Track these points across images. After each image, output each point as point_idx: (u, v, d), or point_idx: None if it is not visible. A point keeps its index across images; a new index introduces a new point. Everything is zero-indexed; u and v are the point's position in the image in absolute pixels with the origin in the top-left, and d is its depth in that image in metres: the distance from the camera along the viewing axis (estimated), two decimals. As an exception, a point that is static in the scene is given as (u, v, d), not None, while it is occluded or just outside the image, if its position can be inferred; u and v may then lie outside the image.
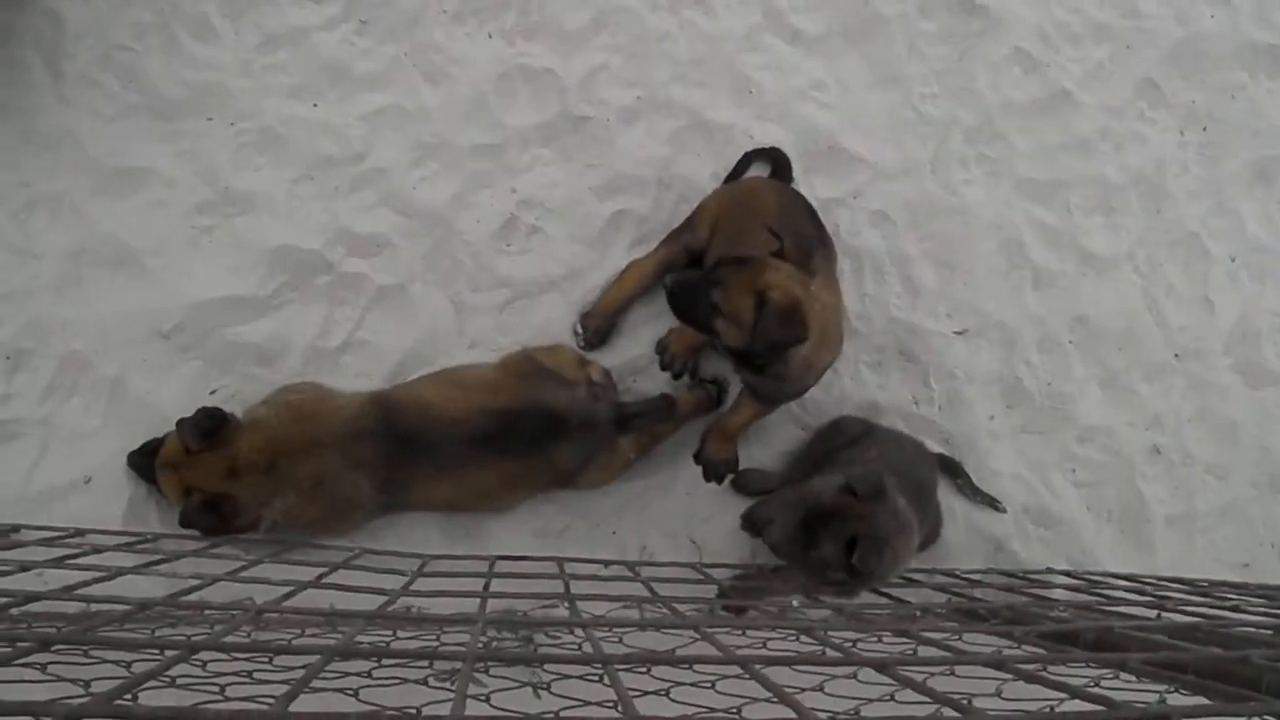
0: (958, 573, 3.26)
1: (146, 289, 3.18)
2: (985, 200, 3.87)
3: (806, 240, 3.00)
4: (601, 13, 3.65)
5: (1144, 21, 4.13)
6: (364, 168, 3.40)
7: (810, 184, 3.68)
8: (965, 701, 1.32)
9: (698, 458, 3.38)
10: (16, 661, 1.29)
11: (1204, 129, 4.12)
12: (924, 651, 1.74)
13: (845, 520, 2.51)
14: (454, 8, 3.55)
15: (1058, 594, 3.07)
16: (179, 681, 1.87)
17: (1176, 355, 3.91)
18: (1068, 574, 3.43)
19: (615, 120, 3.60)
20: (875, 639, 2.48)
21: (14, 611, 1.71)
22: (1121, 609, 2.51)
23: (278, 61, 3.41)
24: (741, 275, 2.74)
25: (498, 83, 3.54)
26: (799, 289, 2.72)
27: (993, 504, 3.55)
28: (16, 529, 2.76)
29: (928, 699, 1.34)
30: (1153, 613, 2.48)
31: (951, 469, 3.55)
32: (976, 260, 3.82)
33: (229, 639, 1.45)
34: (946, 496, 3.48)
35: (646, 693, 1.84)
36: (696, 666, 1.55)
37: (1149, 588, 3.04)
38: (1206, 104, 4.14)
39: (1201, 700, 1.71)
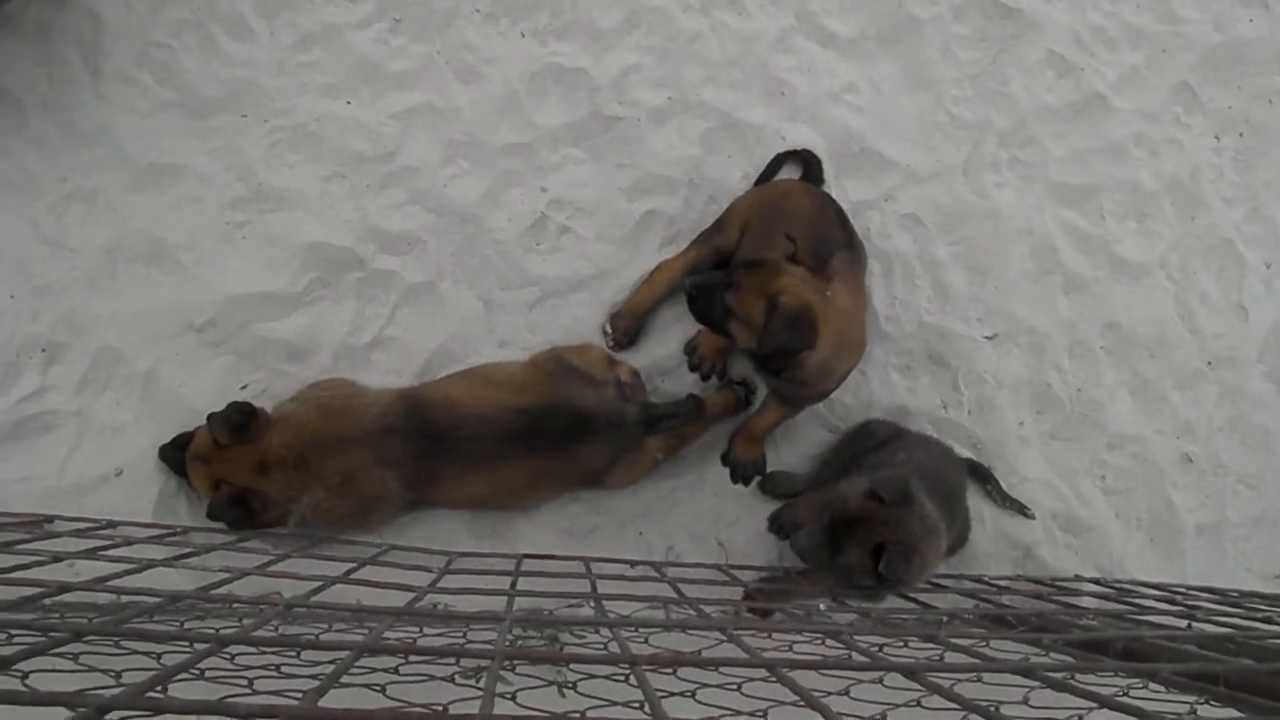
0: (986, 579, 3.24)
1: (180, 284, 3.21)
2: (1017, 204, 3.85)
3: (828, 244, 3.00)
4: (634, 13, 3.66)
5: (1181, 26, 4.09)
6: (395, 165, 3.41)
7: (842, 186, 3.67)
8: (993, 708, 1.31)
9: (725, 459, 3.39)
10: (50, 651, 1.31)
11: (1240, 134, 4.08)
12: (951, 658, 1.73)
13: (871, 527, 2.50)
14: (487, 7, 3.57)
15: (1086, 602, 3.04)
16: (208, 674, 1.89)
17: (1209, 363, 3.87)
18: (1097, 581, 3.40)
19: (646, 120, 3.60)
20: (902, 644, 2.47)
21: (46, 601, 1.72)
22: (1151, 618, 2.48)
23: (312, 60, 3.43)
24: (754, 278, 2.75)
25: (529, 82, 3.55)
26: (811, 294, 2.72)
27: (1021, 510, 3.53)
28: (50, 520, 2.79)
29: (955, 705, 1.33)
30: (1183, 623, 2.46)
31: (980, 474, 3.53)
32: (1008, 265, 3.79)
33: (258, 633, 1.46)
34: (975, 502, 3.47)
35: (672, 694, 1.84)
36: (723, 669, 1.54)
37: (1179, 597, 3.01)
38: (1243, 109, 4.10)
39: (1233, 712, 1.69)
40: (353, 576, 2.21)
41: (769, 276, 2.73)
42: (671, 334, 3.46)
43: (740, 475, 3.37)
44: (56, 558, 2.13)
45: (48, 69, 3.27)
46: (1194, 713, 2.03)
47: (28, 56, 3.26)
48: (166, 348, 3.17)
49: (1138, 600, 2.98)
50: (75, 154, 3.23)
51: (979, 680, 1.83)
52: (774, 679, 1.39)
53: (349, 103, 3.43)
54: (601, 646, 2.49)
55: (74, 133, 3.25)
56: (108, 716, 1.01)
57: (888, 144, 3.77)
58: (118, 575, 1.94)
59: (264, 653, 1.87)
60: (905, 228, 3.72)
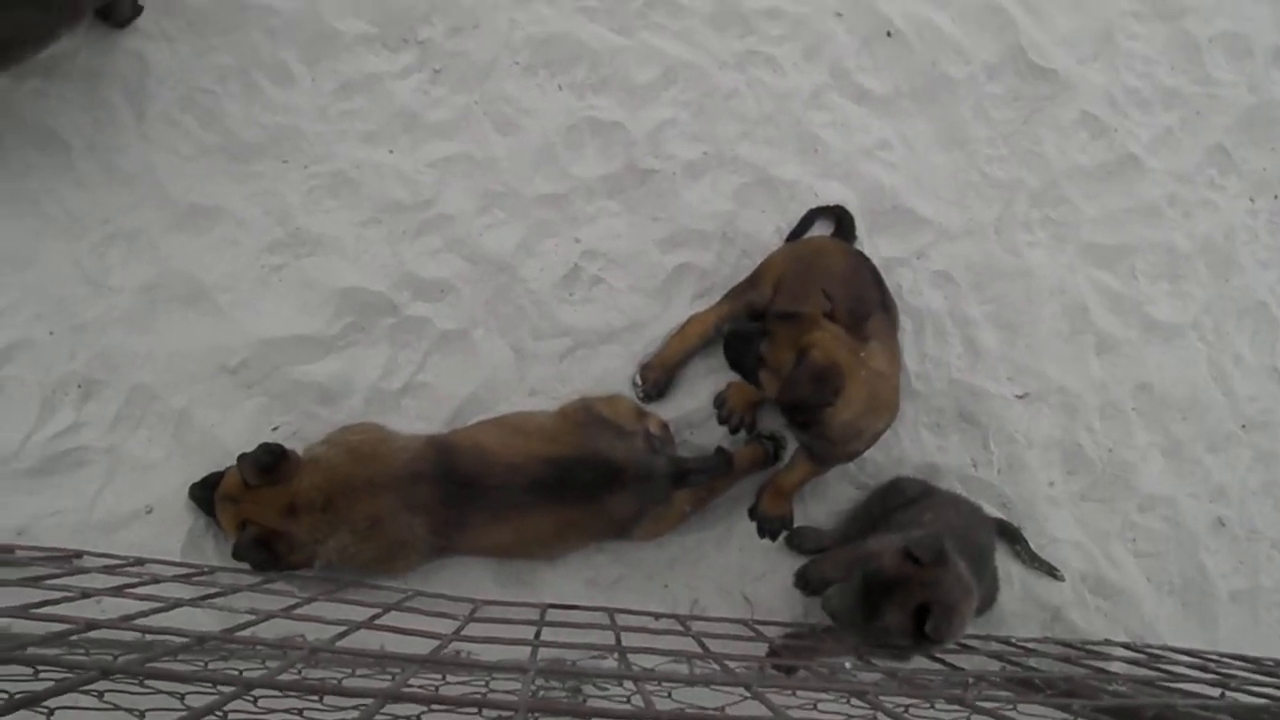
0: (1013, 640, 3.20)
1: (216, 325, 3.25)
2: (1049, 264, 3.85)
3: (865, 304, 3.01)
4: (670, 69, 3.69)
5: (1215, 88, 4.10)
6: (432, 213, 3.45)
7: (874, 243, 3.68)
8: (1022, 775, 1.29)
9: (752, 513, 3.37)
10: (77, 689, 1.32)
11: (1275, 197, 4.07)
12: (978, 721, 1.71)
13: (911, 588, 2.48)
14: (526, 60, 3.62)
15: (1116, 667, 3.01)
16: (230, 716, 1.89)
17: (1243, 426, 3.84)
18: (1127, 646, 3.36)
19: (681, 174, 3.63)
20: (928, 705, 2.44)
21: (73, 638, 1.73)
22: (1184, 686, 2.45)
23: (353, 108, 3.48)
24: (789, 330, 2.78)
25: (566, 134, 3.59)
26: (843, 352, 2.74)
27: (1051, 572, 3.49)
28: (79, 555, 2.81)
29: (983, 770, 1.32)
30: (1217, 691, 2.42)
31: (1009, 534, 3.49)
32: (1039, 324, 3.79)
33: (283, 677, 1.46)
34: (1004, 562, 3.43)
35: (696, 750, 1.82)
36: (747, 726, 1.53)
37: (1212, 664, 2.97)
38: (1278, 171, 4.09)
39: (1267, 785, 1.66)
40: (377, 622, 2.21)
41: (803, 329, 2.74)
42: (701, 387, 3.46)
43: (767, 530, 3.36)
44: (85, 594, 2.15)
45: (93, 112, 3.33)
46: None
47: (75, 100, 3.33)
48: (200, 388, 3.20)
49: (1169, 667, 2.94)
50: (118, 195, 3.29)
51: (1006, 745, 1.80)
52: (799, 738, 1.38)
53: (391, 151, 3.47)
54: (625, 700, 2.48)
55: (117, 174, 3.31)
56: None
57: (920, 201, 3.79)
58: (144, 614, 1.95)
59: (288, 696, 1.87)
60: (937, 285, 3.73)
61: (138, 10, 3.39)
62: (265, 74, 3.46)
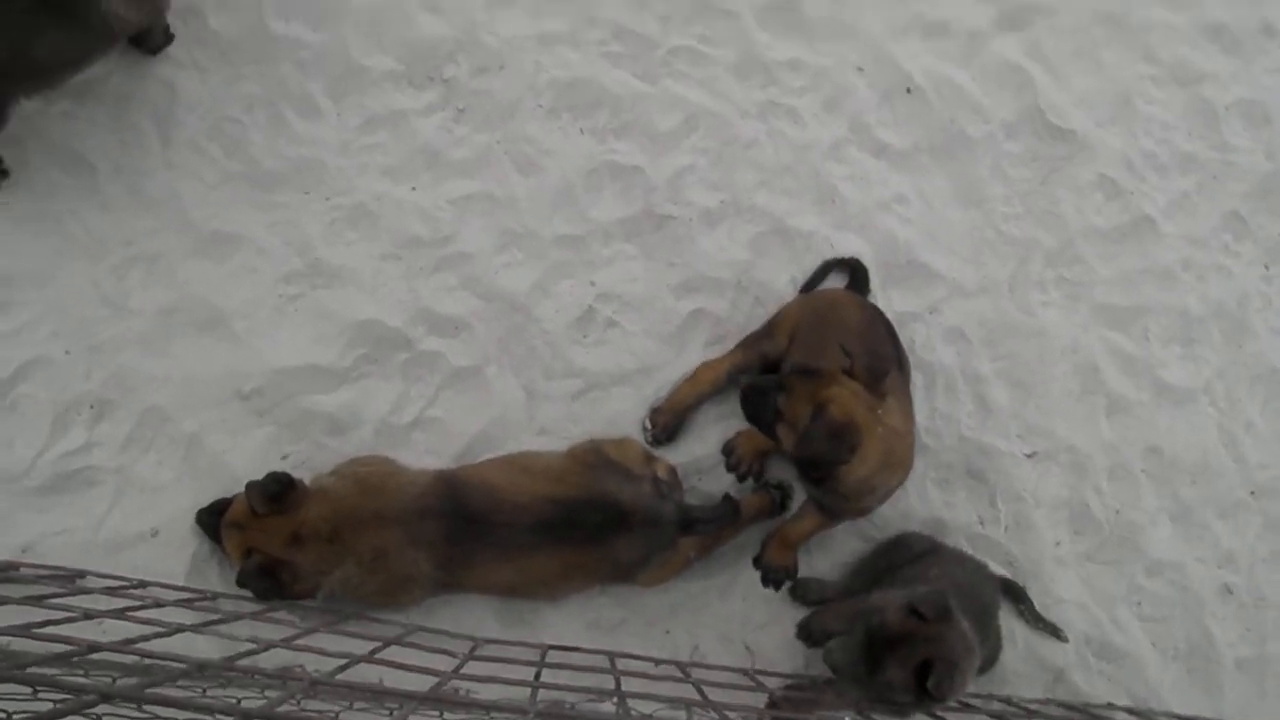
0: (1015, 700, 3.18)
1: (231, 351, 3.28)
2: (1062, 323, 3.85)
3: (882, 360, 3.02)
4: (692, 116, 3.73)
5: (1232, 155, 4.12)
6: (450, 250, 3.48)
7: (887, 296, 3.69)
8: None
9: (757, 562, 3.36)
10: (77, 712, 1.32)
11: (1290, 265, 4.08)
12: (978, 781, 1.70)
13: (914, 644, 2.47)
14: (549, 102, 3.66)
15: (1118, 732, 2.98)
16: (228, 745, 1.89)
17: (1253, 492, 3.82)
18: (1130, 711, 3.33)
19: (698, 221, 3.66)
20: (927, 762, 2.43)
21: (74, 659, 1.74)
22: (1185, 753, 2.43)
23: (376, 142, 3.53)
24: (807, 385, 2.80)
25: (586, 177, 3.62)
26: (861, 410, 2.75)
27: (1055, 632, 3.47)
28: (83, 575, 2.82)
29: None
30: (1218, 760, 2.40)
31: (1014, 593, 3.47)
32: (1050, 383, 3.79)
33: (282, 708, 1.47)
34: (1007, 621, 3.41)
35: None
36: (745, 777, 1.53)
37: (1215, 733, 2.94)
38: (1293, 240, 4.11)
39: None
40: (377, 656, 2.21)
41: (821, 385, 2.76)
42: (711, 433, 3.47)
43: (771, 579, 3.35)
44: (87, 615, 2.15)
45: (121, 135, 3.39)
46: None
47: (103, 123, 3.39)
48: (213, 413, 3.23)
49: (1172, 733, 2.92)
50: (141, 218, 3.34)
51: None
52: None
53: (413, 189, 3.51)
54: (622, 745, 2.46)
55: (141, 198, 3.36)
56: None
57: (935, 256, 3.80)
58: (146, 638, 1.96)
59: (286, 728, 1.87)
60: (949, 341, 3.73)
61: (169, 38, 3.46)
62: (292, 106, 3.51)
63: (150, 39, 3.41)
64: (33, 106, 3.25)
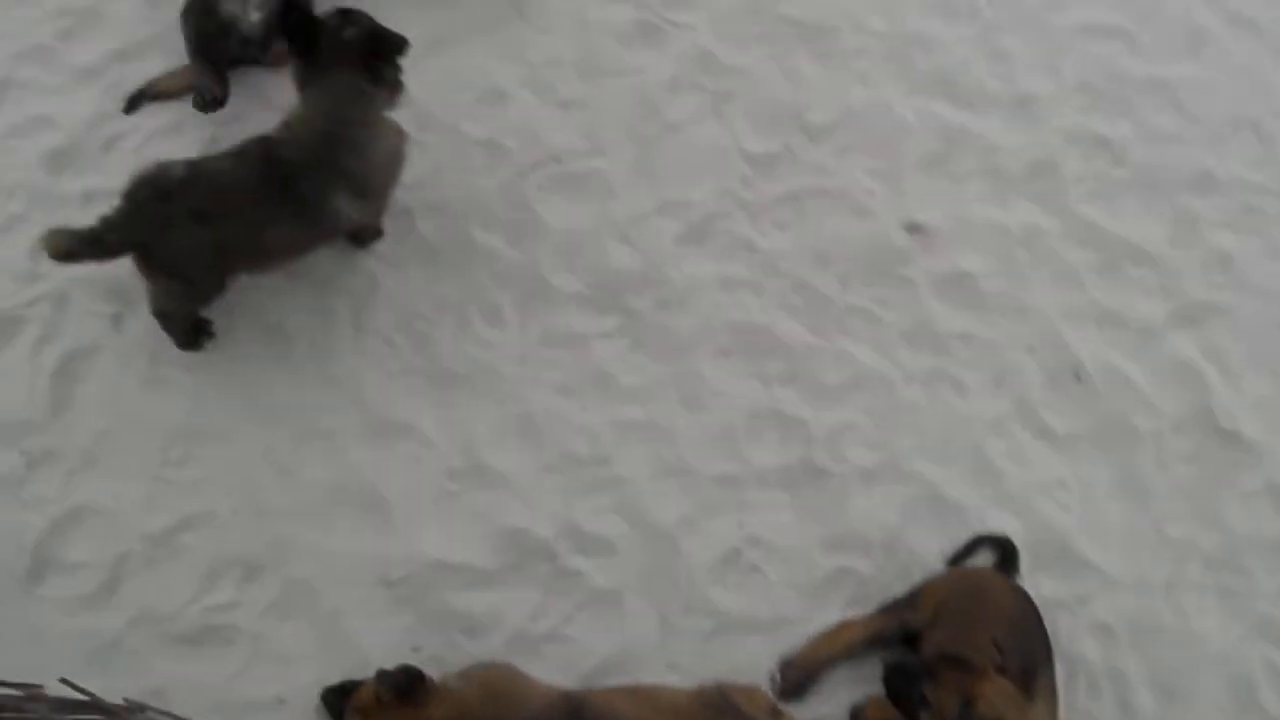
0: None
1: (385, 536, 3.39)
2: (1219, 633, 3.68)
3: (1033, 658, 2.96)
4: (859, 376, 3.80)
5: None
6: (607, 472, 3.56)
7: (1035, 581, 3.60)
8: None
9: (872, 840, 3.24)
10: None
11: None
12: None
13: None
14: (725, 344, 3.78)
15: None
16: None
17: None
18: None
19: (853, 478, 3.67)
20: None
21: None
22: None
23: (554, 358, 3.69)
24: (956, 676, 2.74)
25: (749, 420, 3.69)
26: (1011, 712, 2.68)
27: None
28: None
29: None
30: None
31: None
32: (1200, 694, 3.59)
33: None
34: None
35: None
36: None
37: None
38: None
39: None
40: None
41: (973, 679, 2.72)
42: (840, 695, 3.36)
43: None
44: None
45: (320, 315, 3.63)
46: None
47: (306, 303, 3.65)
48: (356, 593, 3.32)
49: None
50: (323, 394, 3.54)
51: None
52: None
53: (583, 408, 3.64)
54: None
55: (326, 376, 3.57)
56: None
57: (1089, 546, 3.71)
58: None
59: None
60: (1095, 636, 3.60)
61: (379, 234, 3.73)
62: (480, 312, 3.72)
63: (364, 235, 3.70)
64: (248, 279, 3.52)
